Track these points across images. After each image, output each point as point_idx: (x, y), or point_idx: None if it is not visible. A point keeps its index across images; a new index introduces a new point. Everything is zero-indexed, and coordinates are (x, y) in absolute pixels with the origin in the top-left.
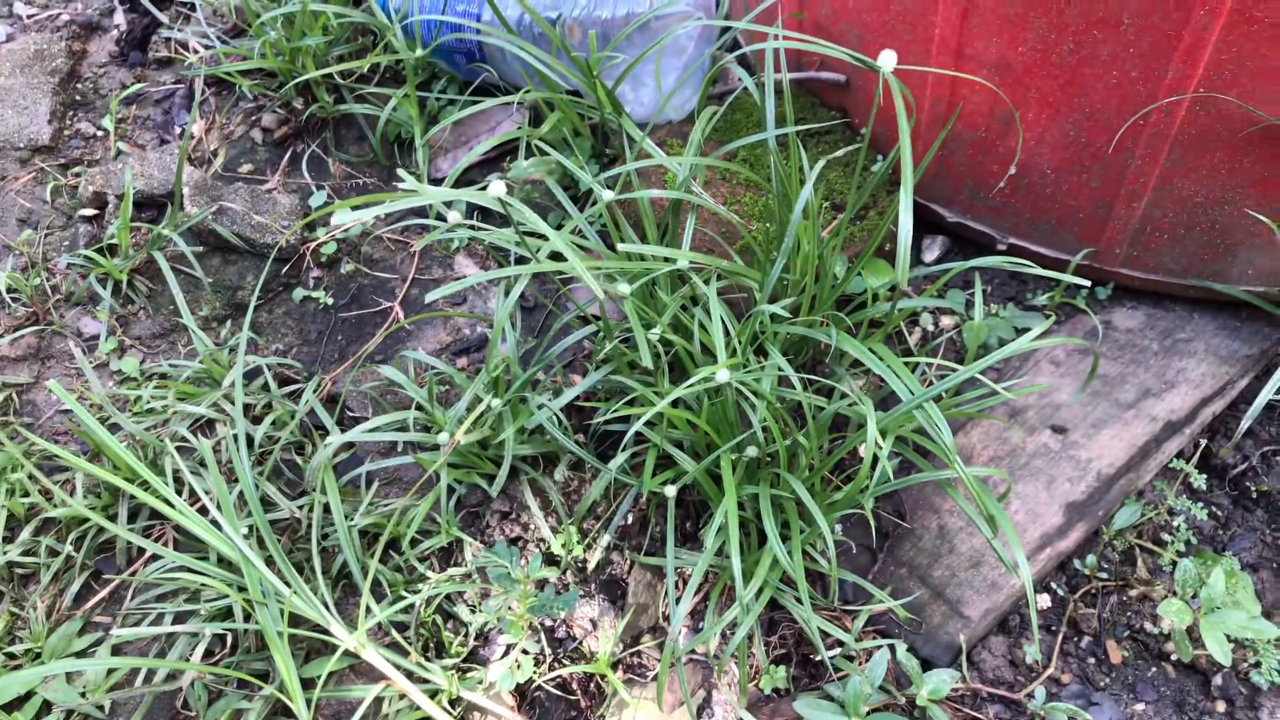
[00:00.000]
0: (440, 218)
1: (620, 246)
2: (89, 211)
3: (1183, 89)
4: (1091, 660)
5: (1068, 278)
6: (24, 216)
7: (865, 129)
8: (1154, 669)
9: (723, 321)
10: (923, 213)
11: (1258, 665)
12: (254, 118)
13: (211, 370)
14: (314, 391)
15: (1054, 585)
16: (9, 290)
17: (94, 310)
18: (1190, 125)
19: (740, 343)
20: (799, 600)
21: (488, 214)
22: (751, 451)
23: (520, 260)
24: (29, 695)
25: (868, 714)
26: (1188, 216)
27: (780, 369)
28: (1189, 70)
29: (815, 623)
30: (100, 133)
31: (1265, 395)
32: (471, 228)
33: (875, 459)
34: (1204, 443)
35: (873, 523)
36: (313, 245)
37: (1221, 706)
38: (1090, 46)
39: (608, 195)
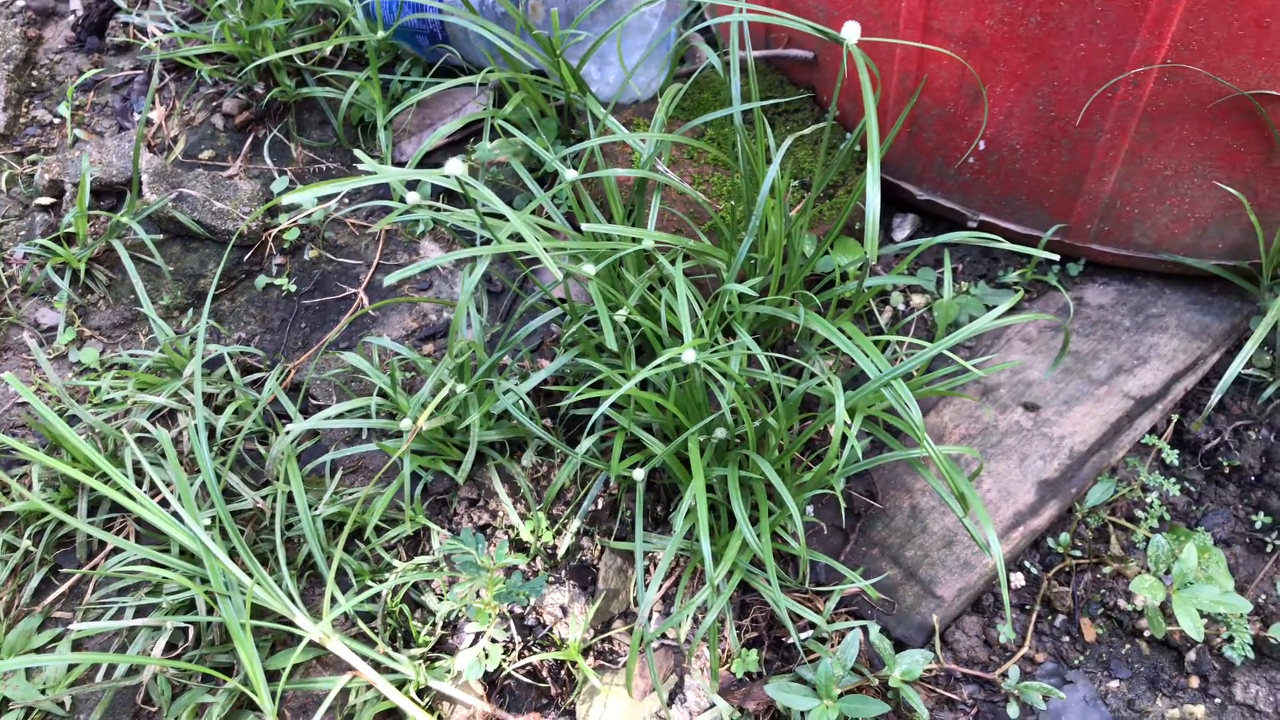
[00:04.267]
0: (403, 200)
1: (585, 226)
2: (46, 200)
3: (1150, 60)
4: (1066, 638)
5: (1039, 252)
6: None
7: (832, 104)
8: (1128, 646)
9: (689, 301)
10: (893, 191)
11: (1231, 640)
12: (214, 103)
13: (172, 360)
14: (277, 380)
15: (1027, 564)
16: None
17: (52, 300)
18: (1158, 97)
19: (708, 323)
20: (770, 583)
21: (454, 198)
22: (720, 433)
23: (485, 243)
24: None
25: (840, 696)
26: (1157, 190)
27: (748, 349)
28: (1156, 41)
29: (785, 605)
30: (57, 120)
31: (1235, 369)
32: (434, 209)
33: (844, 438)
34: (1176, 418)
35: (843, 503)
36: (275, 231)
37: (1195, 682)
38: (1057, 18)
39: (571, 175)
